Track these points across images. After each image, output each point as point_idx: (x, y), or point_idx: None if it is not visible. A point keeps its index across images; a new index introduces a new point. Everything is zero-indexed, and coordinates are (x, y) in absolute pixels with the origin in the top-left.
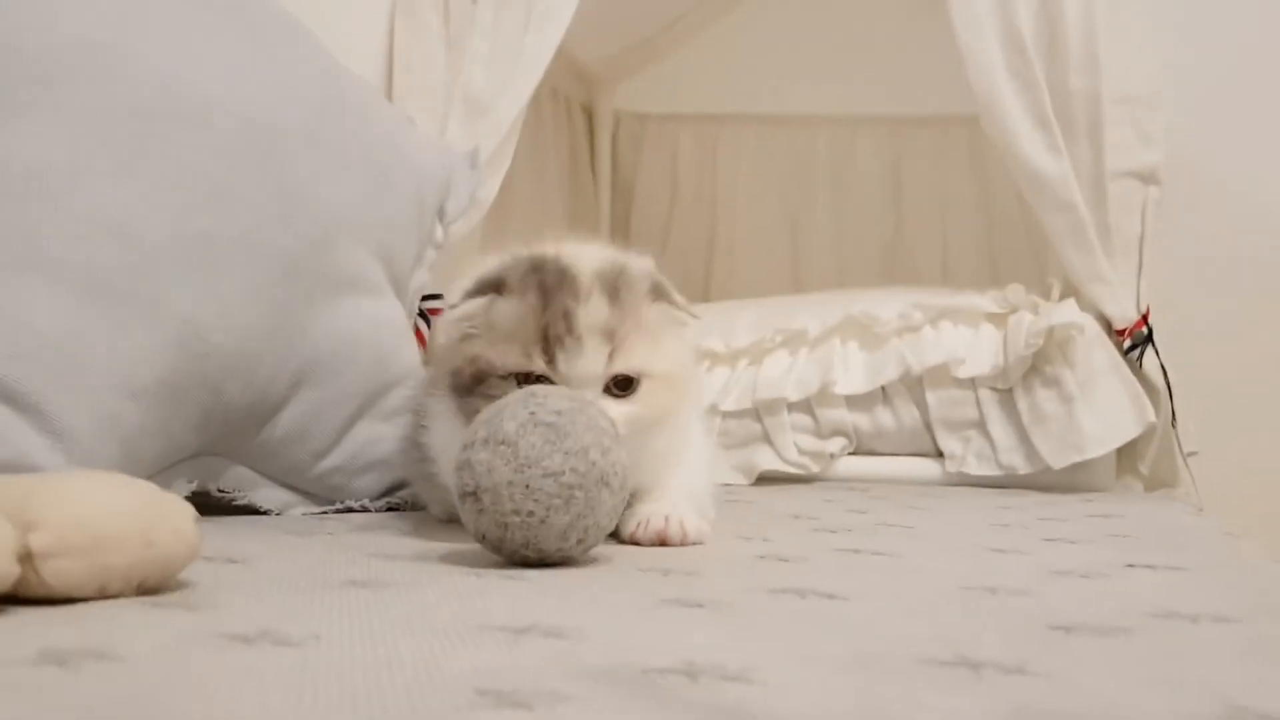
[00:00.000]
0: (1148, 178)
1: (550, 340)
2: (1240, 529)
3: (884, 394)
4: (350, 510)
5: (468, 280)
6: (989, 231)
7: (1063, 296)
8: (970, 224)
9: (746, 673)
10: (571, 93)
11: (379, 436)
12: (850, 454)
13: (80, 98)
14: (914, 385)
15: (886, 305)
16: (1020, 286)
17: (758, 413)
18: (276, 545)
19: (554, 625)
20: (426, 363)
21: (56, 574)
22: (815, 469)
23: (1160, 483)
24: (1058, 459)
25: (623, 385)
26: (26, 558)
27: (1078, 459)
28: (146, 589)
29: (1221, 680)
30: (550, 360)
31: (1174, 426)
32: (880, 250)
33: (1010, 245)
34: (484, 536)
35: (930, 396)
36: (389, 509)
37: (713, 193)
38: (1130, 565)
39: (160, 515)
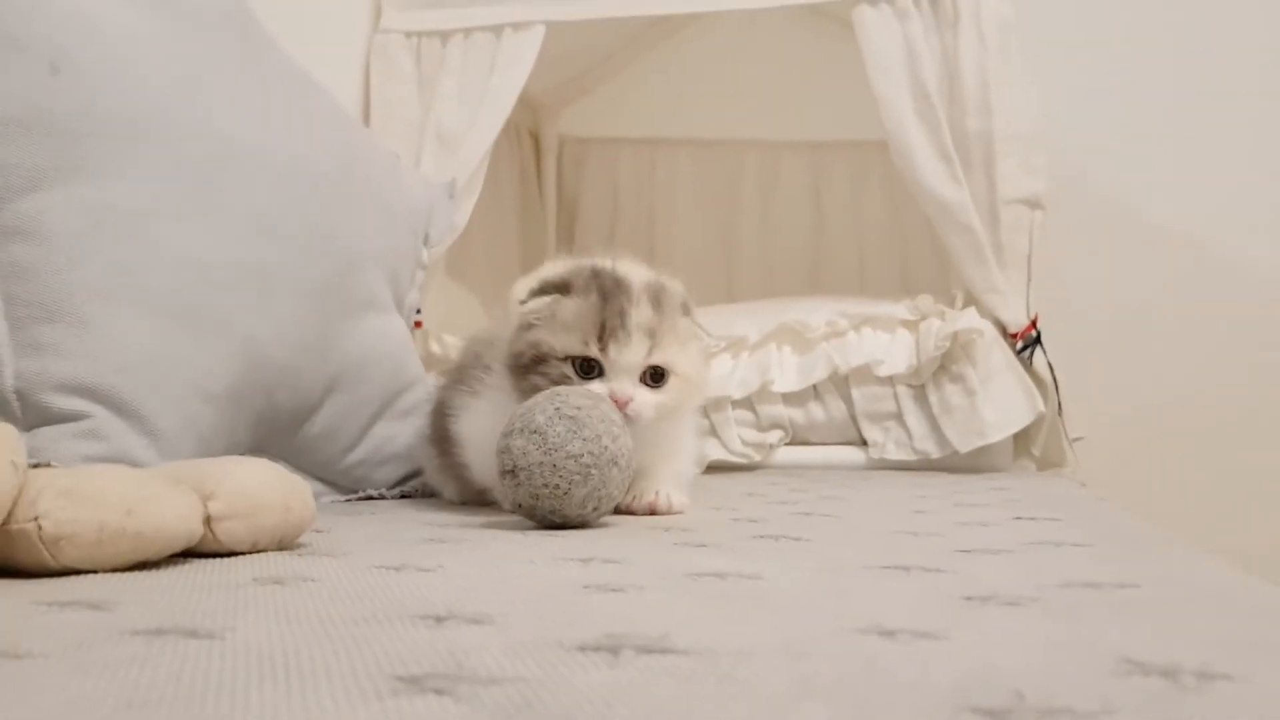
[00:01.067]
0: (1033, 204)
1: (606, 332)
2: (1115, 499)
3: (815, 391)
4: (370, 498)
5: (533, 281)
6: (901, 246)
7: (965, 305)
8: (884, 239)
9: (756, 574)
10: (520, 120)
11: (395, 434)
12: (787, 444)
13: (162, 153)
14: (841, 383)
15: (815, 313)
16: (929, 296)
17: (705, 410)
18: (339, 522)
19: (608, 557)
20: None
21: (227, 533)
22: (757, 458)
23: (1050, 463)
24: (963, 444)
25: (656, 377)
26: (205, 521)
27: (980, 444)
28: (283, 545)
29: (1069, 572)
30: (604, 348)
31: (1060, 415)
32: (804, 263)
33: (919, 258)
34: (519, 505)
35: (855, 393)
36: (402, 496)
37: (651, 211)
38: (1018, 518)
39: (293, 489)
